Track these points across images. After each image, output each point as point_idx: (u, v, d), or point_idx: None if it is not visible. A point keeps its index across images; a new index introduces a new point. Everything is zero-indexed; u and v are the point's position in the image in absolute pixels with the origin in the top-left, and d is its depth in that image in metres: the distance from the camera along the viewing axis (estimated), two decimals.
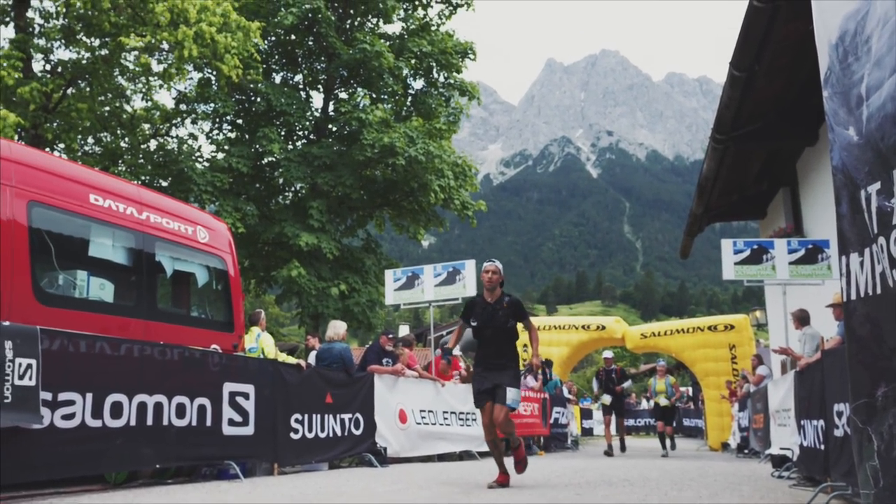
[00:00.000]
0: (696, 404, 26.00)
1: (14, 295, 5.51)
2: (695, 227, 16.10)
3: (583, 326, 20.19)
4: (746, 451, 13.42)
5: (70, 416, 5.19)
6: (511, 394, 6.21)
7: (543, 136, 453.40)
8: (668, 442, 14.78)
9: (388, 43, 19.75)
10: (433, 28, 20.89)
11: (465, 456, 11.32)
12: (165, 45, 12.01)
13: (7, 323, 4.84)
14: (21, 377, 4.82)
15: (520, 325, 6.62)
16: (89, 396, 5.34)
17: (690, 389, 27.86)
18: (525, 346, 15.27)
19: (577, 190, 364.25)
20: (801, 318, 9.44)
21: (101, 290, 6.59)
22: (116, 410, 5.54)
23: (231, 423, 6.64)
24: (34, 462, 4.96)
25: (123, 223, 6.69)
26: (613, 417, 15.41)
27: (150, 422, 5.80)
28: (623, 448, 14.58)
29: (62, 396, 5.15)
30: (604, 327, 20.09)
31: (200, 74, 17.07)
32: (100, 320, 6.27)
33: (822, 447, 6.18)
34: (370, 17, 20.35)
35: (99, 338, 5.61)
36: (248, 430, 6.84)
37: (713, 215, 15.79)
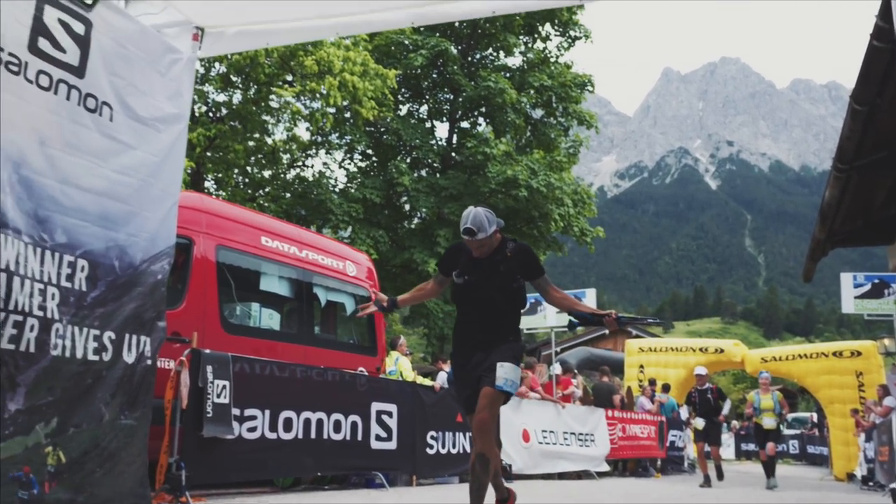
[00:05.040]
0: (821, 431, 25.21)
1: (206, 325, 6.56)
2: (818, 252, 15.83)
3: (700, 349, 20.11)
4: (871, 484, 13.19)
5: (253, 429, 6.17)
6: (504, 370, 4.04)
7: (660, 147, 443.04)
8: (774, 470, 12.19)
9: (507, 75, 20.65)
10: (552, 60, 21.62)
11: (583, 475, 11.80)
12: (313, 93, 13.30)
13: (208, 351, 5.86)
14: (218, 396, 5.83)
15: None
16: (267, 412, 6.31)
17: (815, 416, 26.99)
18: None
19: (695, 202, 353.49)
20: None
21: (271, 319, 7.63)
22: (288, 425, 6.49)
23: (377, 438, 7.49)
24: (226, 466, 5.95)
25: (288, 261, 7.72)
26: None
27: (313, 435, 6.72)
28: (720, 476, 12.44)
29: (247, 412, 6.14)
30: (722, 350, 19.92)
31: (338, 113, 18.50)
32: (269, 346, 7.29)
33: None
34: (492, 50, 21.31)
35: (272, 362, 6.58)
36: (392, 445, 7.67)
37: (837, 240, 15.53)
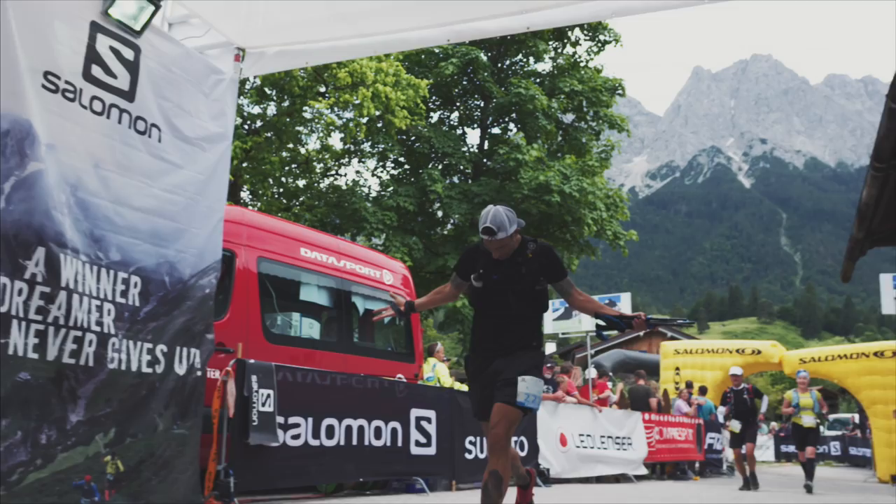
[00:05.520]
0: (863, 433, 24.81)
1: (250, 335, 6.73)
2: (856, 252, 15.63)
3: (737, 350, 19.91)
4: None
5: (297, 437, 6.32)
6: (526, 384, 3.82)
7: (691, 147, 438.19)
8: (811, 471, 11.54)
9: (537, 81, 20.76)
10: (582, 65, 21.69)
11: (621, 479, 11.80)
12: (347, 104, 13.56)
13: (252, 361, 6.02)
14: (263, 405, 5.99)
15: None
16: (310, 420, 6.46)
17: (857, 417, 26.56)
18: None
19: (728, 201, 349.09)
20: None
21: (311, 328, 7.79)
22: (330, 432, 6.63)
23: (417, 444, 7.61)
24: (272, 473, 6.11)
25: (326, 271, 7.88)
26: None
27: (354, 442, 6.86)
28: (755, 484, 11.50)
29: (291, 420, 6.29)
30: (759, 351, 19.71)
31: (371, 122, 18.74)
32: (310, 355, 7.44)
33: None
34: (521, 56, 21.45)
35: (313, 371, 6.73)
36: (431, 451, 7.78)
37: (876, 240, 15.32)
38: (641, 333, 30.10)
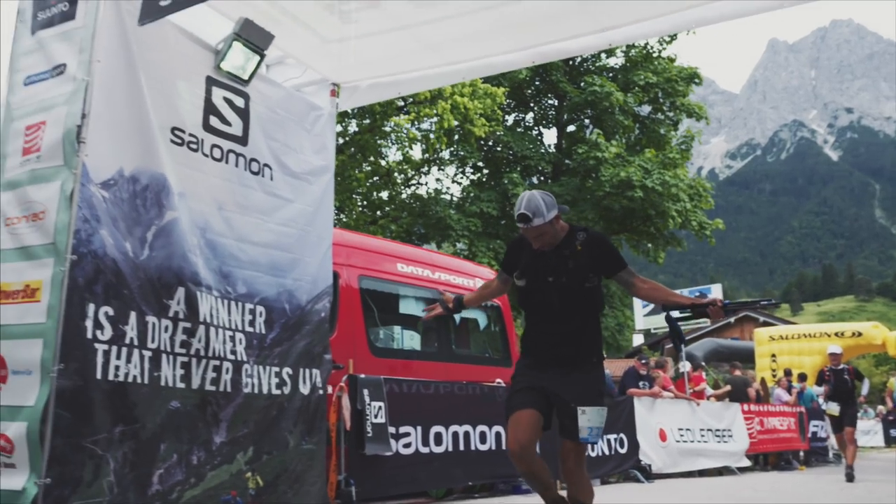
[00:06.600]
0: None
1: (357, 350, 7.08)
2: None
3: (836, 334, 19.35)
4: None
5: (408, 445, 6.63)
6: (587, 416, 3.46)
7: (771, 123, 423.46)
8: None
9: (610, 76, 20.71)
10: (655, 56, 21.49)
11: (724, 472, 11.70)
12: (426, 118, 13.95)
13: (363, 375, 6.36)
14: (376, 416, 6.31)
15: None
16: (419, 429, 6.76)
17: None
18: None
19: (815, 176, 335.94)
20: None
21: (411, 340, 8.12)
22: (438, 439, 6.91)
23: None
24: (387, 481, 6.43)
25: (422, 283, 8.20)
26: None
27: (461, 447, 7.13)
28: (851, 474, 10.40)
29: (402, 430, 6.60)
30: (860, 333, 19.10)
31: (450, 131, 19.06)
32: (413, 365, 7.76)
33: None
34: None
35: (418, 381, 7.04)
36: None
37: None
38: (732, 320, 29.29)
